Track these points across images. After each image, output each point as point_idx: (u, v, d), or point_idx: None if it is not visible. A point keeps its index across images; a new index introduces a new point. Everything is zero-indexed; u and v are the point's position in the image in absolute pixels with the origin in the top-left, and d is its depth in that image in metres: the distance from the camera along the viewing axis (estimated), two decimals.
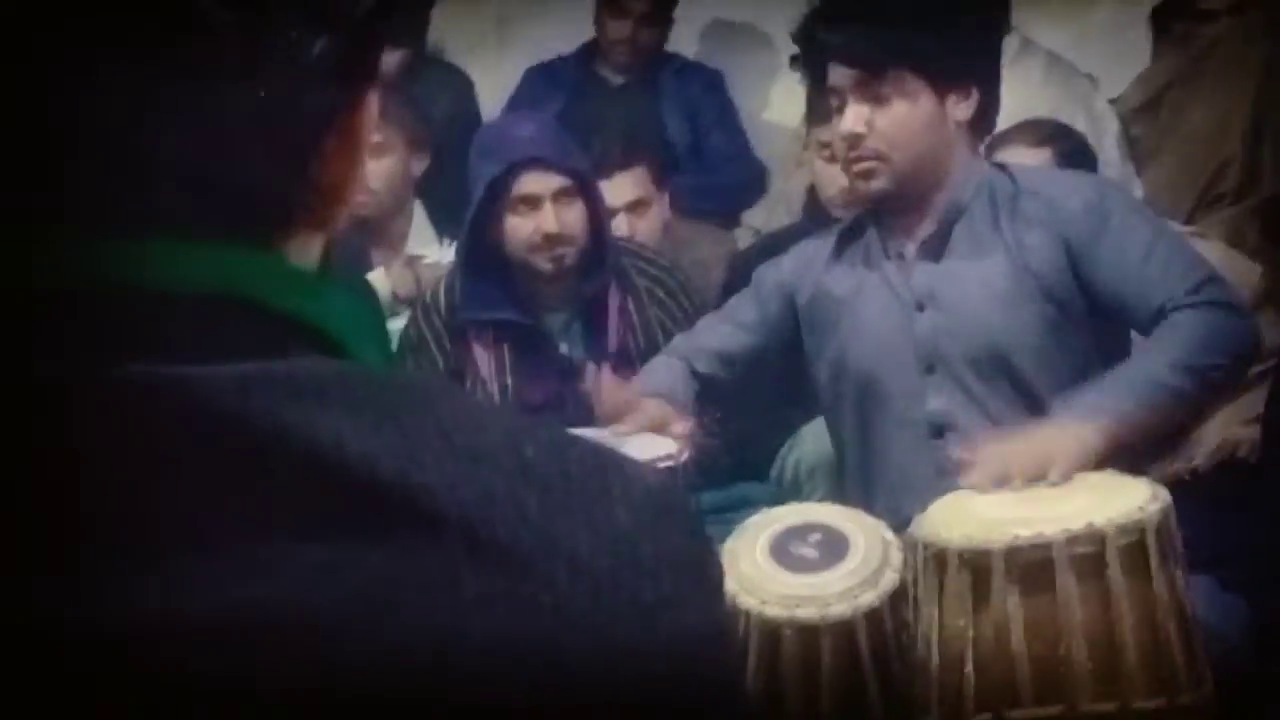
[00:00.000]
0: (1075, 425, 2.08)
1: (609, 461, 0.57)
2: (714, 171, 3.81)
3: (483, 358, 2.68)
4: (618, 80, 3.77)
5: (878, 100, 2.20)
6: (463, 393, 0.67)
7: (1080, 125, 3.21)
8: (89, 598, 0.49)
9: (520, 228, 2.58)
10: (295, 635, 0.49)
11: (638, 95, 3.79)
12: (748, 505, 2.45)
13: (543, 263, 2.59)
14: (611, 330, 2.69)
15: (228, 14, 0.56)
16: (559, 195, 2.58)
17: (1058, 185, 2.33)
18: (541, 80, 3.80)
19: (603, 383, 2.42)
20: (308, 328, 0.59)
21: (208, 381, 0.52)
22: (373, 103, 0.62)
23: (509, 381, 2.66)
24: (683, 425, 2.28)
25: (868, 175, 2.23)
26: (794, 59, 2.49)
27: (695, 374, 2.37)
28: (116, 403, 0.51)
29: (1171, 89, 3.66)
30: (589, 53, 3.82)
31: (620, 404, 2.33)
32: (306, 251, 0.62)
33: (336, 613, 0.50)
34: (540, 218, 2.58)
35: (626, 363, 2.65)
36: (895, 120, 2.21)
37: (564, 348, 2.72)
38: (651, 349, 2.62)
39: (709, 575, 0.61)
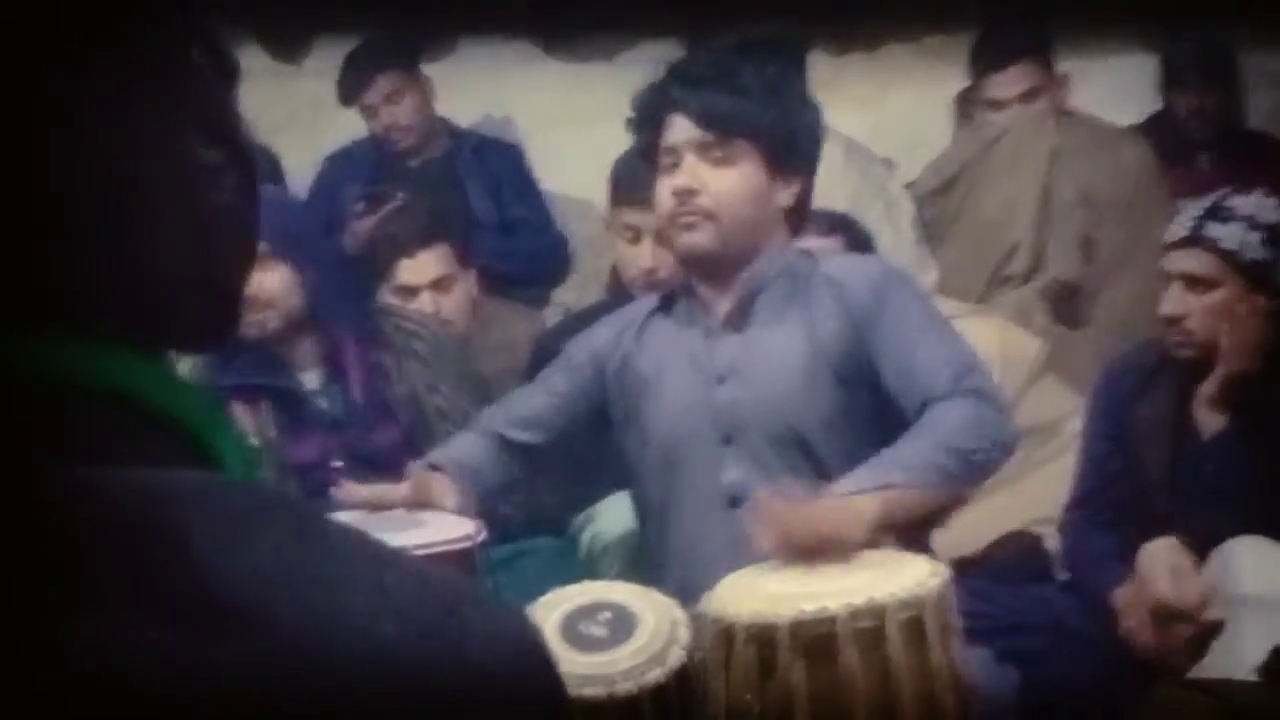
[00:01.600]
0: (851, 501, 2.11)
1: (465, 595, 0.59)
2: (516, 240, 3.86)
3: (242, 415, 2.71)
4: (414, 161, 3.81)
5: (716, 162, 2.25)
6: (328, 520, 0.67)
7: (877, 208, 3.34)
8: None
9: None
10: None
11: (437, 174, 3.81)
12: (528, 555, 2.57)
13: (247, 328, 2.63)
14: (354, 385, 2.77)
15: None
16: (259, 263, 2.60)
17: (849, 269, 2.39)
18: (340, 165, 3.84)
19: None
20: (188, 429, 0.61)
21: (107, 487, 0.55)
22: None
23: (272, 436, 2.72)
24: (464, 503, 2.29)
25: (692, 229, 2.28)
26: (630, 121, 2.50)
27: (507, 443, 2.39)
28: (33, 498, 0.54)
29: (964, 174, 3.76)
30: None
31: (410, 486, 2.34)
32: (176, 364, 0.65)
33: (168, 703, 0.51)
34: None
35: (385, 415, 2.77)
36: (728, 184, 2.26)
37: (323, 404, 2.78)
38: (410, 401, 2.73)
39: (558, 687, 0.63)
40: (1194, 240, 2.49)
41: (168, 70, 0.63)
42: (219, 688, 0.53)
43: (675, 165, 2.27)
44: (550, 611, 2.10)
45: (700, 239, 2.25)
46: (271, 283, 2.66)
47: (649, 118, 2.37)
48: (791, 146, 2.31)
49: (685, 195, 2.25)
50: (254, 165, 0.67)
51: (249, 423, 2.75)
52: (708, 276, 2.33)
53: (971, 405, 2.15)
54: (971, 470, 2.17)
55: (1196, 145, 3.97)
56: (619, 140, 2.81)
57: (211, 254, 0.64)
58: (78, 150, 0.60)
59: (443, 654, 0.56)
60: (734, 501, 2.24)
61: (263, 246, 2.28)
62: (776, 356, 2.28)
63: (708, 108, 2.28)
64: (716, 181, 2.25)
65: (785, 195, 2.28)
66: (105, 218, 0.60)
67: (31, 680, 0.52)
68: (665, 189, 2.30)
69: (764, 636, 1.96)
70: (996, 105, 3.73)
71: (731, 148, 2.26)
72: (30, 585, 0.53)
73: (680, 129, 2.27)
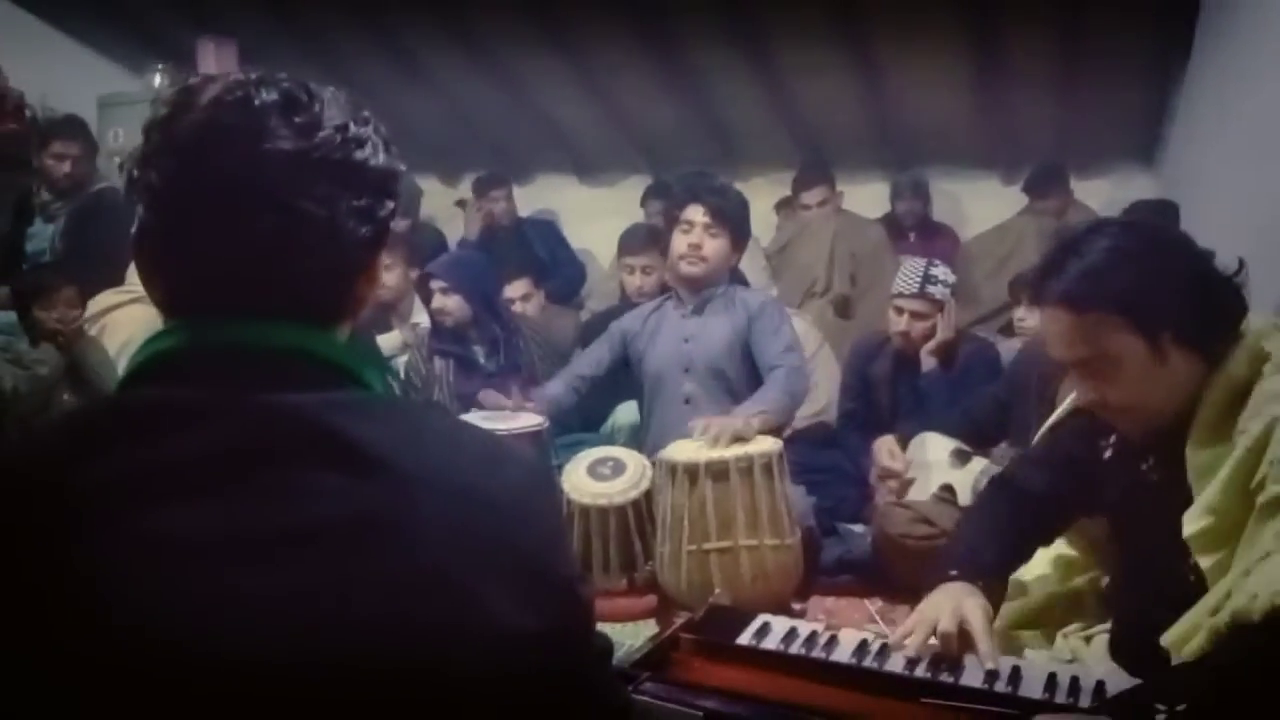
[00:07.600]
0: (745, 418, 2.73)
1: (507, 445, 0.80)
2: (560, 273, 4.67)
3: (442, 370, 3.47)
4: (503, 233, 4.74)
5: (712, 235, 3.01)
6: (435, 409, 0.85)
7: (747, 260, 4.00)
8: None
9: (432, 305, 3.51)
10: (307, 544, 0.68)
11: (515, 238, 4.77)
12: (581, 444, 3.15)
13: (440, 322, 3.47)
14: (503, 355, 3.45)
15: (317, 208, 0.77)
16: (443, 291, 3.45)
17: (750, 295, 3.19)
18: (468, 239, 4.79)
19: (505, 394, 3.15)
20: (347, 370, 0.80)
21: (307, 404, 0.73)
22: (380, 260, 0.88)
23: (452, 380, 3.44)
24: (537, 408, 3.05)
25: (694, 264, 3.01)
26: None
27: (581, 378, 3.20)
28: (257, 415, 0.72)
29: (790, 242, 4.96)
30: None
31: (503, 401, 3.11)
32: (344, 331, 0.85)
33: (343, 521, 0.68)
34: (434, 301, 3.48)
35: (515, 369, 3.40)
36: (715, 247, 3.04)
37: (484, 364, 3.48)
38: (530, 365, 3.43)
39: (555, 495, 0.94)
40: (920, 295, 3.26)
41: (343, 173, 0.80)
42: (368, 508, 0.69)
43: (688, 230, 3.00)
44: (580, 462, 2.79)
45: (696, 271, 3.02)
46: (450, 303, 3.43)
47: (679, 201, 3.06)
48: (743, 233, 3.10)
49: (694, 247, 2.98)
50: (375, 220, 0.82)
51: (444, 374, 3.40)
52: (689, 290, 3.03)
53: (793, 371, 2.88)
54: (793, 404, 2.93)
55: (907, 229, 5.19)
56: (608, 223, 3.70)
57: (347, 274, 0.81)
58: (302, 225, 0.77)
59: (493, 476, 0.75)
60: (688, 400, 3.02)
61: (444, 284, 3.55)
62: (714, 330, 3.00)
63: (714, 204, 3.02)
64: (709, 244, 3.01)
65: (735, 258, 3.11)
66: (303, 261, 0.77)
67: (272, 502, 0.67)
68: (681, 242, 3.02)
69: (692, 470, 2.52)
70: (806, 207, 4.98)
71: (719, 229, 3.00)
72: (265, 450, 0.70)
73: (696, 211, 3.02)
